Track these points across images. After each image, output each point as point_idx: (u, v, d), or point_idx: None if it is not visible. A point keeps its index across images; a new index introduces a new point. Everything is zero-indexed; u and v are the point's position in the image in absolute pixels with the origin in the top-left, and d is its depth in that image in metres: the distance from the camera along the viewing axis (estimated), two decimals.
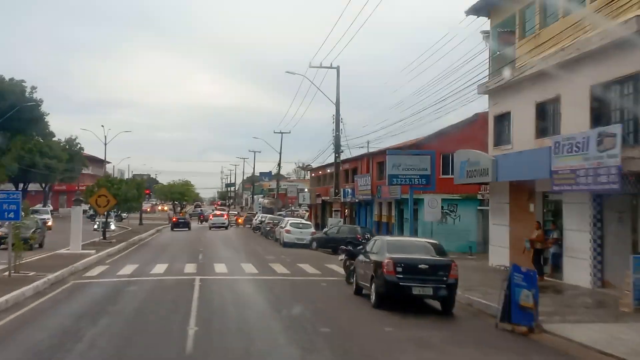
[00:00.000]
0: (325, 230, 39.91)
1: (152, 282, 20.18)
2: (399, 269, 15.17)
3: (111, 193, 38.10)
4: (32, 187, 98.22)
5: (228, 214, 76.38)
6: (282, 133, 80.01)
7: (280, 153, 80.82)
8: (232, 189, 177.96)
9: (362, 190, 44.90)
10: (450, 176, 36.65)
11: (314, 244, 37.69)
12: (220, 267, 24.76)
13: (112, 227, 44.82)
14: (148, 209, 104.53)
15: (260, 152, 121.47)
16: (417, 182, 27.91)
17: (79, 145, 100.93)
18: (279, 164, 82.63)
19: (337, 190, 42.13)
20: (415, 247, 16.55)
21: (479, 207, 37.20)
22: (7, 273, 20.12)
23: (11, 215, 20.23)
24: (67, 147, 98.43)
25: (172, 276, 21.68)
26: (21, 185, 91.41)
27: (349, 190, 48.64)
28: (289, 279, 21.50)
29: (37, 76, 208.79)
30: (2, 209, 20.16)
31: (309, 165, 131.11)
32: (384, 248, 16.13)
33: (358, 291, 17.79)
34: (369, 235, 23.50)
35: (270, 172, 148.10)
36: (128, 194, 39.16)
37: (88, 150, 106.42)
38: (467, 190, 35.92)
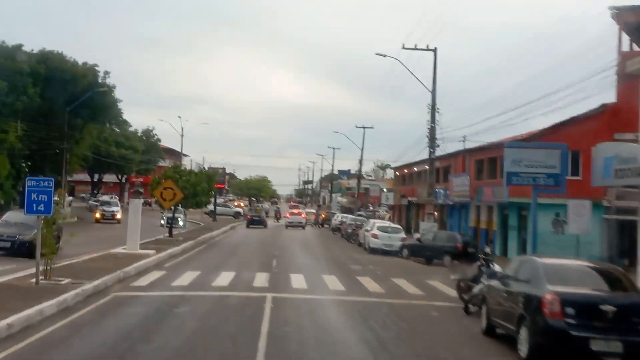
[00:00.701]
0: (418, 236, 34.73)
1: (211, 300, 15.66)
2: (569, 311, 10.00)
3: (179, 185, 34.21)
4: (108, 178, 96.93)
5: (305, 212, 72.00)
6: (364, 128, 75.46)
7: (362, 149, 76.12)
8: (310, 186, 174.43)
9: (458, 191, 39.51)
10: (571, 178, 30.96)
11: (405, 252, 32.62)
12: (297, 280, 20.08)
13: (181, 223, 40.94)
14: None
15: (339, 148, 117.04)
16: (543, 183, 22.40)
17: (155, 137, 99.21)
18: (360, 161, 77.86)
19: (430, 190, 36.91)
20: (587, 275, 11.28)
21: (604, 216, 31.22)
22: (33, 280, 16.09)
23: (41, 207, 16.14)
24: (143, 138, 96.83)
25: (237, 291, 17.12)
26: (96, 177, 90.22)
27: (441, 192, 43.34)
28: (386, 303, 16.54)
29: (115, 70, 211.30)
30: (31, 200, 16.11)
31: (387, 164, 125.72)
32: (541, 275, 10.95)
33: (490, 330, 12.70)
34: (488, 251, 18.17)
35: (349, 170, 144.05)
36: (197, 187, 35.14)
37: (165, 143, 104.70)
38: (589, 194, 30.12)
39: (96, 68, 55.55)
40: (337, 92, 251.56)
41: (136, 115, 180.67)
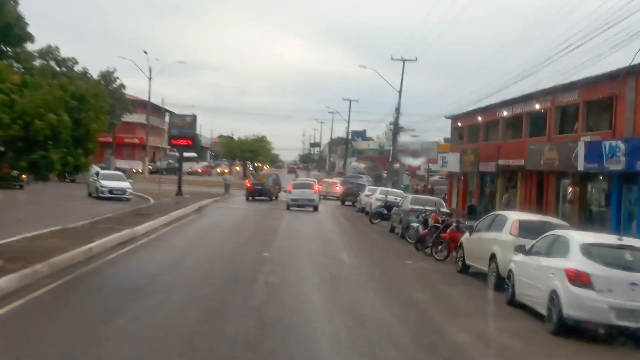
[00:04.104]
0: None
1: None
2: None
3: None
4: None
5: (320, 183, 48.13)
6: (403, 60, 51.66)
7: (400, 91, 52.28)
8: (317, 149, 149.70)
9: None
10: None
11: None
12: None
13: None
14: (200, 170, 77.68)
15: (357, 100, 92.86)
16: None
17: (118, 82, 75.50)
18: (397, 108, 53.97)
19: None
20: None
21: None
22: None
23: None
24: (102, 83, 73.26)
25: None
26: None
27: (615, 145, 19.93)
28: None
29: (125, 37, 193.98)
30: None
31: (402, 127, 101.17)
32: None
33: None
34: None
35: (364, 131, 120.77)
36: (36, 124, 11.88)
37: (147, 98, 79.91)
38: None
39: None
40: (347, 60, 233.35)
41: (142, 83, 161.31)
